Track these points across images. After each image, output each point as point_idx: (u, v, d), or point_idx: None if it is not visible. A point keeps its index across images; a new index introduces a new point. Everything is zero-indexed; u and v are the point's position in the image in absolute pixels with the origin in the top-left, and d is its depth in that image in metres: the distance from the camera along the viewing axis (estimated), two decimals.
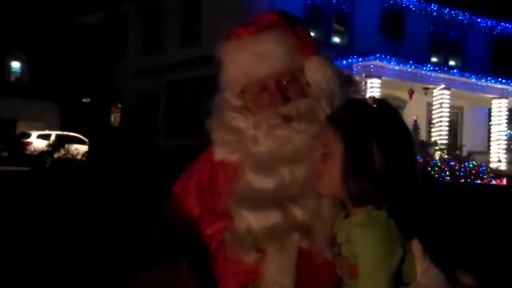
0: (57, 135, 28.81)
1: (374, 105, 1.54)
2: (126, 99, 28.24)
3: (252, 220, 1.67)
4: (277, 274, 1.64)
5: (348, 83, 1.84)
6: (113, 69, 28.79)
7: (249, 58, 1.79)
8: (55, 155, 25.07)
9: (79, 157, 24.65)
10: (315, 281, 1.64)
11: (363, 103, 1.56)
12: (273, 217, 1.66)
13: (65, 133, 29.65)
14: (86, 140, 27.85)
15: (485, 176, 21.73)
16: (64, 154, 24.71)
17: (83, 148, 26.68)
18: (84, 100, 32.70)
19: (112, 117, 30.17)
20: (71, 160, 23.81)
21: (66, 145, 25.62)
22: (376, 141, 1.48)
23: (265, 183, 1.71)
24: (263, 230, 1.66)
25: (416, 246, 1.48)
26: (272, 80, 1.79)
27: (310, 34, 1.88)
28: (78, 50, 37.46)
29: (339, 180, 1.51)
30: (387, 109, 1.55)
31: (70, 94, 36.53)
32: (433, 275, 1.46)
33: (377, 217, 1.45)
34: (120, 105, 29.38)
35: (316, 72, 1.79)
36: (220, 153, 1.86)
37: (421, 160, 18.74)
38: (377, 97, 1.59)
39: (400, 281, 1.45)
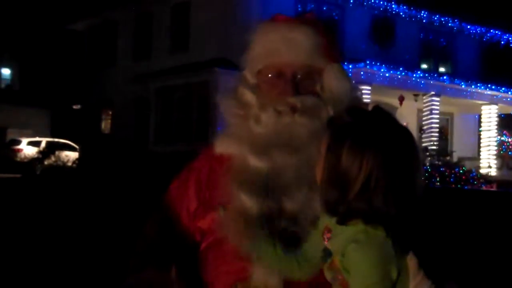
0: (47, 142, 28.69)
1: (369, 111, 1.48)
2: (116, 106, 28.17)
3: (248, 204, 1.70)
4: (265, 273, 1.65)
5: (355, 100, 1.89)
6: (104, 76, 28.74)
7: (278, 40, 1.85)
8: (46, 162, 24.96)
9: (69, 164, 24.56)
10: (303, 280, 1.64)
11: (360, 110, 1.49)
12: (267, 206, 1.68)
13: (56, 140, 29.55)
14: (77, 147, 27.77)
15: (475, 182, 21.82)
16: (55, 161, 24.61)
17: (73, 155, 26.58)
18: (74, 107, 32.56)
19: (103, 124, 30.09)
20: (62, 167, 23.73)
21: (57, 152, 25.52)
22: (350, 147, 1.39)
23: (260, 163, 1.74)
24: (256, 216, 1.68)
25: (411, 261, 1.46)
26: (290, 70, 1.83)
27: (338, 44, 1.96)
28: (68, 56, 37.30)
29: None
30: (379, 116, 1.45)
31: (61, 100, 36.38)
32: None
33: (374, 236, 1.39)
34: (110, 112, 29.31)
35: (334, 78, 1.84)
36: (221, 145, 1.89)
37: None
38: (380, 105, 1.50)
39: None
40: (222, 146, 1.89)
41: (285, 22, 1.90)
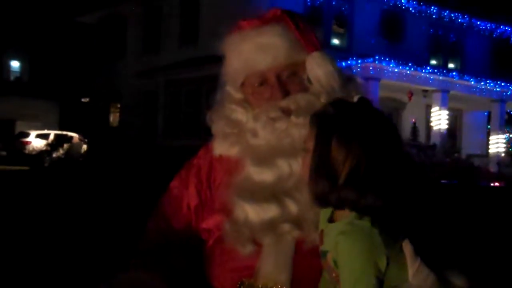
0: (55, 135, 28.76)
1: (353, 103, 1.50)
2: (125, 99, 28.22)
3: (250, 212, 1.69)
4: (273, 270, 1.66)
5: (349, 81, 1.85)
6: (113, 69, 28.78)
7: (251, 49, 1.80)
8: (54, 155, 25.05)
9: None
10: (310, 277, 1.64)
11: (344, 102, 1.52)
12: (270, 211, 1.67)
13: (64, 132, 29.63)
14: (84, 139, 27.84)
15: (483, 179, 21.74)
16: (63, 154, 24.69)
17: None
18: (83, 100, 32.63)
19: (111, 117, 30.15)
20: (70, 160, 23.80)
21: (65, 145, 25.62)
22: (338, 137, 1.43)
23: (265, 175, 1.72)
24: (261, 222, 1.67)
25: (406, 247, 1.47)
26: (273, 73, 1.79)
27: (313, 31, 1.88)
28: (78, 49, 37.35)
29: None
30: (364, 108, 1.49)
31: (69, 93, 36.47)
32: (424, 276, 1.46)
33: (359, 226, 1.43)
34: (119, 105, 29.36)
35: (317, 67, 1.79)
36: (219, 147, 1.87)
37: (419, 163, 18.74)
38: (364, 97, 1.53)
39: (385, 285, 1.43)
40: (221, 148, 1.87)
41: (252, 28, 1.84)
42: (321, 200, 1.47)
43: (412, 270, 1.46)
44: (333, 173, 1.42)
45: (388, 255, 1.42)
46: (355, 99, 1.50)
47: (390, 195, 1.43)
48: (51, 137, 28.28)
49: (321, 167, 1.44)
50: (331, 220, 1.53)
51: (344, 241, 1.42)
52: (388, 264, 1.42)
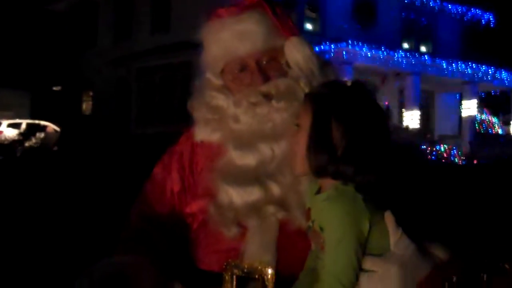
0: (28, 124, 28.42)
1: (348, 85, 1.58)
2: (97, 87, 27.98)
3: (234, 195, 1.73)
4: (258, 251, 1.70)
5: (325, 66, 1.90)
6: (84, 57, 28.48)
7: (230, 37, 1.83)
8: (26, 144, 24.80)
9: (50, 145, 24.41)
10: (295, 257, 1.68)
11: (339, 83, 1.61)
12: (254, 193, 1.71)
13: (36, 121, 29.29)
14: (58, 128, 27.58)
15: (456, 159, 22.03)
16: (35, 143, 24.46)
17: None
18: (54, 88, 32.27)
19: (84, 105, 29.87)
20: (44, 149, 23.58)
21: (37, 134, 25.38)
22: (336, 116, 1.50)
23: (247, 159, 1.76)
24: (244, 205, 1.71)
25: (388, 218, 1.52)
26: (252, 59, 1.83)
27: (289, 17, 1.92)
28: (48, 37, 36.85)
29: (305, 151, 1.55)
30: (359, 90, 1.57)
31: (41, 82, 36.02)
32: (405, 245, 1.51)
33: (344, 191, 1.49)
34: (91, 93, 29.10)
35: (295, 52, 1.83)
36: (201, 133, 1.90)
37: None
38: (357, 80, 1.62)
39: (366, 250, 1.49)
40: (203, 134, 1.89)
41: (230, 15, 1.87)
42: (319, 171, 1.53)
43: (394, 239, 1.51)
44: (332, 147, 1.50)
45: (370, 220, 1.48)
46: (349, 82, 1.59)
47: (381, 171, 1.52)
48: (23, 126, 27.94)
49: (320, 142, 1.51)
50: (318, 193, 1.58)
51: (329, 205, 1.48)
52: (370, 228, 1.48)
